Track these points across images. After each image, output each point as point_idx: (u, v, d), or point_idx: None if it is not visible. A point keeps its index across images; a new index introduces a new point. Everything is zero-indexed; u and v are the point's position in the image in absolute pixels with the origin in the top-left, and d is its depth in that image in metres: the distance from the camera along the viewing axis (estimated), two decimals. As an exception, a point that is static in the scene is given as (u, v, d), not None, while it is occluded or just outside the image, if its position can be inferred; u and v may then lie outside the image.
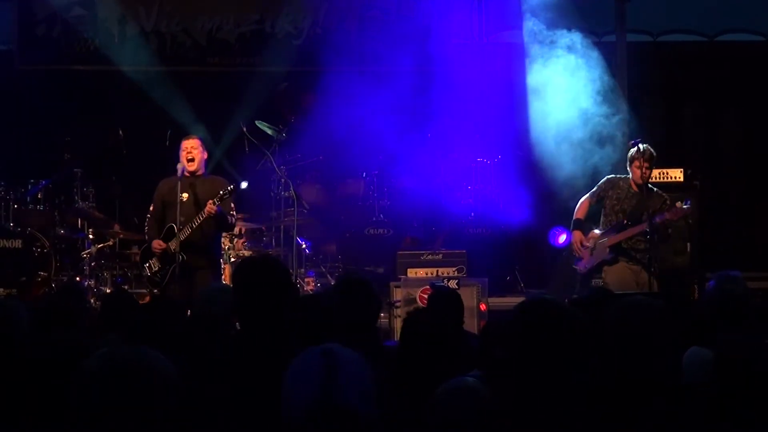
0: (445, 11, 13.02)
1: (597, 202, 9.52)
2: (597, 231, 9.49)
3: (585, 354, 3.35)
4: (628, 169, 9.34)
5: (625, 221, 9.25)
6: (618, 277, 9.24)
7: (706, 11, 13.53)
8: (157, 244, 9.42)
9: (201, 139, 9.74)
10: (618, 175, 9.51)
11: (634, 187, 9.31)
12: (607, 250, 9.29)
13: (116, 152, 12.31)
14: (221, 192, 9.25)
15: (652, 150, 9.21)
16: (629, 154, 9.33)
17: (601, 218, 9.52)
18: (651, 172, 9.26)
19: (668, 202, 9.35)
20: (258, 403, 3.65)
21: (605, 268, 9.37)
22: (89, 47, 13.27)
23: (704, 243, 11.22)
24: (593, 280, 9.45)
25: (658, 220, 9.03)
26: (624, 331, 3.70)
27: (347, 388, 2.75)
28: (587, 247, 9.43)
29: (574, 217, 9.59)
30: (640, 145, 9.20)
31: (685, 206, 9.11)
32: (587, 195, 9.60)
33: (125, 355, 2.71)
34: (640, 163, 9.15)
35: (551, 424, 3.19)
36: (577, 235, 9.51)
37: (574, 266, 9.59)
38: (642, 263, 9.21)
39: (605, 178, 9.58)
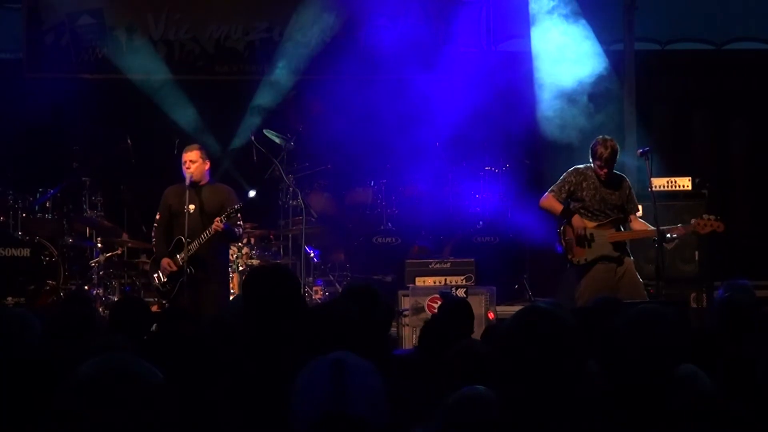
0: (453, 20, 13.03)
1: (567, 196, 9.24)
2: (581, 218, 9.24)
3: (578, 360, 3.35)
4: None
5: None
6: (597, 276, 9.13)
7: (714, 20, 13.53)
8: (168, 264, 9.34)
9: (201, 149, 9.57)
10: (582, 165, 9.28)
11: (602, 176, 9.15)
12: (611, 246, 9.12)
13: (124, 161, 12.32)
14: (228, 210, 9.22)
15: (608, 151, 9.04)
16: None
17: (581, 209, 9.23)
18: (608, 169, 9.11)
19: (629, 186, 9.26)
20: (266, 413, 3.64)
21: (600, 264, 9.16)
22: (97, 56, 13.27)
23: (713, 251, 11.19)
24: None
25: (670, 235, 9.00)
26: (634, 340, 3.68)
27: (357, 398, 2.75)
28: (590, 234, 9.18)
29: (560, 209, 9.24)
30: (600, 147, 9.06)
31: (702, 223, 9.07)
32: (552, 191, 9.30)
33: (109, 363, 2.70)
34: (601, 163, 9.06)
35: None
36: (578, 219, 9.18)
37: (569, 257, 9.30)
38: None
39: (571, 170, 9.30)
